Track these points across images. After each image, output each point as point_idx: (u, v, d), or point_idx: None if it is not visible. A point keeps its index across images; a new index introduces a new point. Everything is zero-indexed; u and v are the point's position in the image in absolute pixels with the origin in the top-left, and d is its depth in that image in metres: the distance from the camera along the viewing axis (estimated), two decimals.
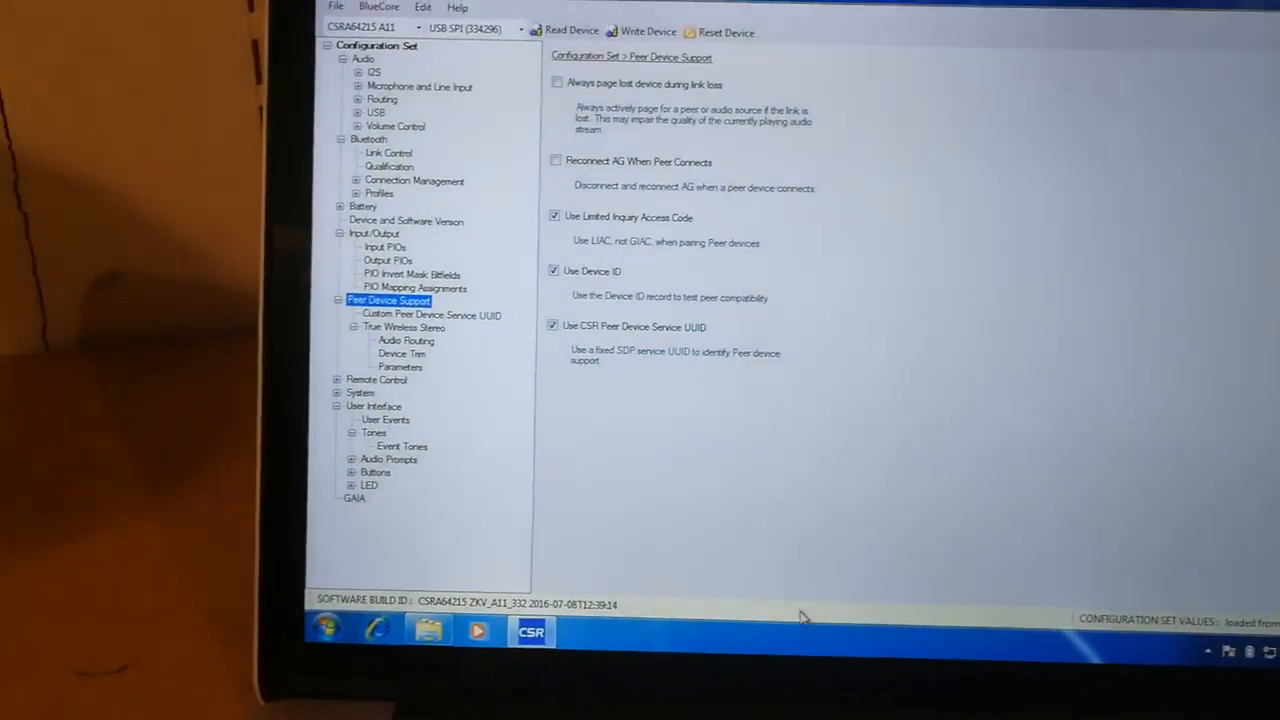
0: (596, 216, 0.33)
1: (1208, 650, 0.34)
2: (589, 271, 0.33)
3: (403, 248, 0.33)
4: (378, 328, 0.33)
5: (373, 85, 0.33)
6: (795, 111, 0.33)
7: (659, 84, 0.33)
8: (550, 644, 0.34)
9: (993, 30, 0.33)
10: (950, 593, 0.33)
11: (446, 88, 0.33)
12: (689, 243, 0.33)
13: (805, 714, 0.34)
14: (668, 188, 0.33)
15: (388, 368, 0.34)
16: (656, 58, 0.33)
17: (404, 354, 0.33)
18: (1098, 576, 0.33)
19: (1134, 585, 0.33)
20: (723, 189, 0.33)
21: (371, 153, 0.33)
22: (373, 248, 0.33)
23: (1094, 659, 0.34)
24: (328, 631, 0.34)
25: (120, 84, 0.53)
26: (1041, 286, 0.33)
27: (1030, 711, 0.33)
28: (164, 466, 0.48)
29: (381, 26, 0.33)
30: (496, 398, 0.34)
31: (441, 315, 0.33)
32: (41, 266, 0.55)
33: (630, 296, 0.33)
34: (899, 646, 0.33)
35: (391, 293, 0.33)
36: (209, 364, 0.55)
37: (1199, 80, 0.33)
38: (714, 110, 0.33)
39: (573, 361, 0.34)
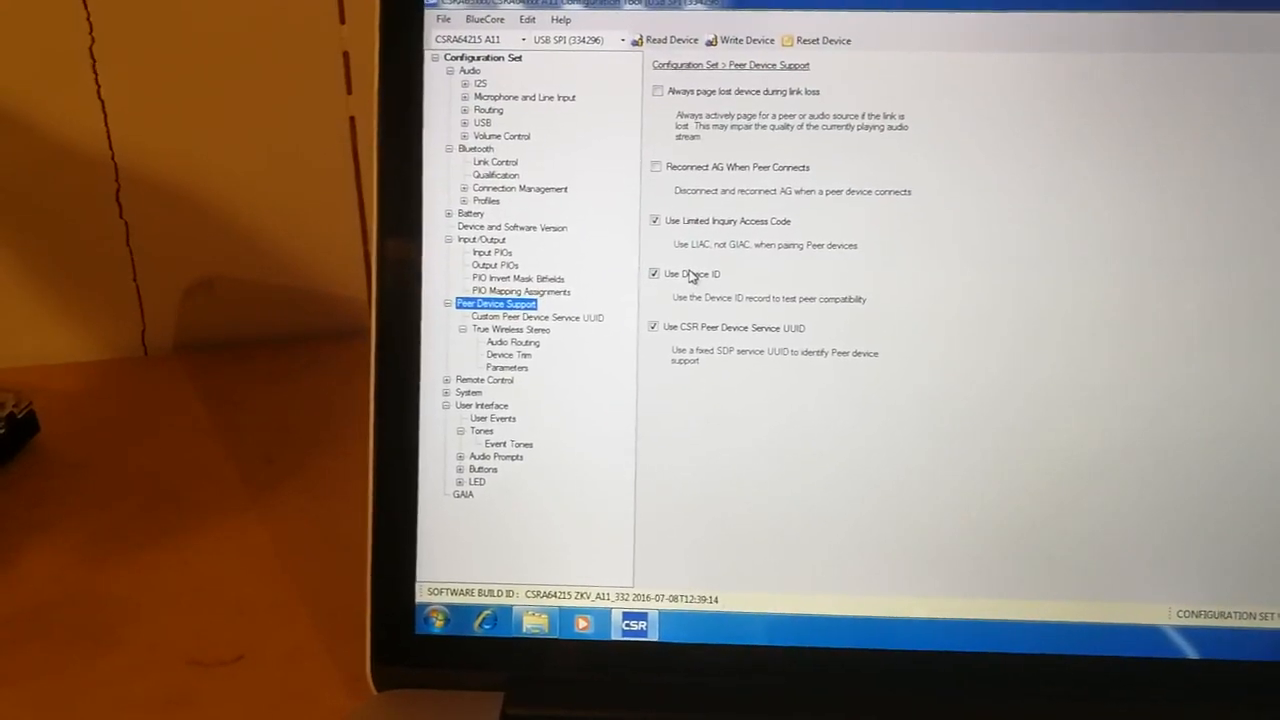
0: (696, 221, 0.34)
1: None
2: (689, 274, 0.34)
3: (509, 253, 0.34)
4: (485, 330, 0.35)
5: (479, 96, 0.34)
6: (892, 117, 0.34)
7: (757, 91, 0.34)
8: (653, 636, 0.35)
9: (1086, 35, 0.33)
10: (1047, 589, 0.34)
11: (550, 98, 0.34)
12: (787, 245, 0.34)
13: (905, 706, 0.34)
14: (766, 192, 0.34)
15: (495, 368, 0.35)
16: (755, 66, 0.34)
17: (510, 355, 0.35)
18: (1195, 573, 0.34)
19: (1231, 581, 0.34)
20: (821, 193, 0.34)
21: (479, 161, 0.34)
22: (480, 253, 0.35)
23: (1191, 654, 0.34)
24: (438, 624, 0.35)
25: (216, 97, 0.55)
26: (1137, 287, 0.33)
27: (1128, 705, 0.34)
28: (264, 467, 0.49)
29: (487, 39, 0.34)
30: (599, 397, 0.35)
31: (546, 318, 0.35)
32: (141, 273, 0.58)
33: (730, 298, 0.34)
34: (996, 641, 0.34)
35: (499, 296, 0.35)
36: (301, 368, 0.57)
37: None
38: (812, 116, 0.34)
39: (673, 362, 0.34)
